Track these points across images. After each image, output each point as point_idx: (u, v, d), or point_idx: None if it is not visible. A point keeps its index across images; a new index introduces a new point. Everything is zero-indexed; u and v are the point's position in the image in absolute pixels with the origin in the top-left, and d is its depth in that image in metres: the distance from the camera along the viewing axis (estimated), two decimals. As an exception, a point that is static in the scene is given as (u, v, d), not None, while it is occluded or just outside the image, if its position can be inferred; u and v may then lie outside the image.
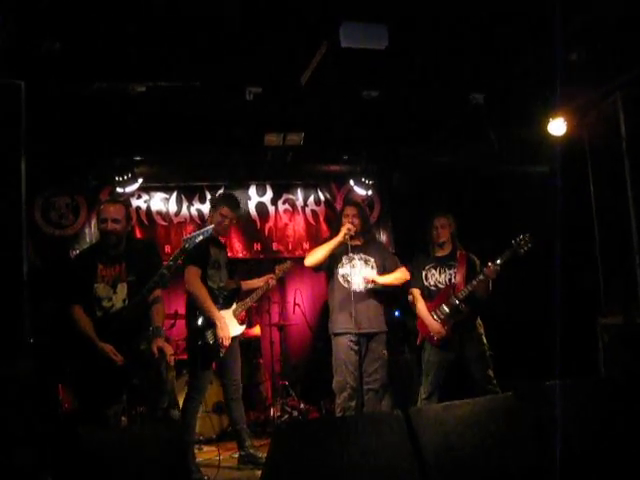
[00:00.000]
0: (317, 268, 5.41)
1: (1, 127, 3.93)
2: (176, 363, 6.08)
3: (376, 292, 5.26)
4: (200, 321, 4.91)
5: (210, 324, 4.90)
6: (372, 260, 5.30)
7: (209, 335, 4.91)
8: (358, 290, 5.17)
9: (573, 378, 3.37)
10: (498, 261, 5.08)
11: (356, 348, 5.10)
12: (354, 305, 5.04)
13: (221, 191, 7.16)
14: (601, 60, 4.85)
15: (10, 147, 3.97)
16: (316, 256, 5.29)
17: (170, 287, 7.22)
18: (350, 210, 5.36)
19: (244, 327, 5.27)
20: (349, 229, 5.14)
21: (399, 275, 5.32)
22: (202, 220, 7.13)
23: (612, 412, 3.19)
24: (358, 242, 5.33)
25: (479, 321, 5.28)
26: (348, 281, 5.21)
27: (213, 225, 4.59)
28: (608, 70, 5.00)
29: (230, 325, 5.02)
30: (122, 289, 4.31)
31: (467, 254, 5.35)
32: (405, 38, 4.37)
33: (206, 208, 7.16)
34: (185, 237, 4.26)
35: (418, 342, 5.39)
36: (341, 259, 5.25)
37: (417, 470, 2.79)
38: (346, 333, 5.12)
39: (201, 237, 4.20)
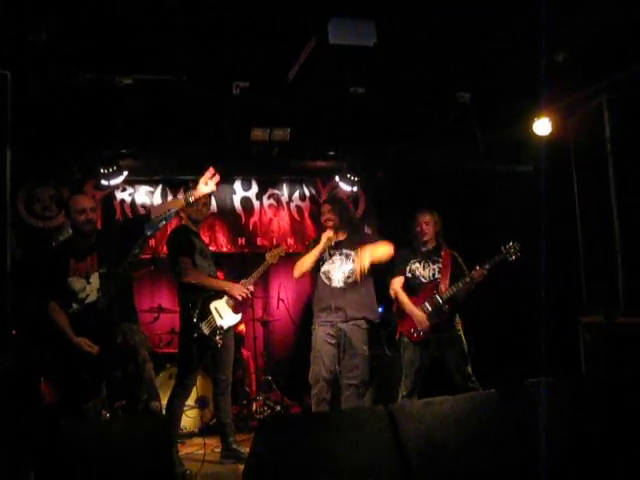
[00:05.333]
0: None
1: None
2: (160, 357, 6.07)
3: (358, 284, 5.25)
4: (196, 314, 4.88)
5: (204, 316, 4.90)
6: (353, 254, 5.30)
7: (204, 326, 4.89)
8: (338, 286, 5.24)
9: (554, 376, 3.40)
10: (486, 266, 5.12)
11: (333, 342, 5.15)
12: (334, 301, 5.15)
13: None
14: (587, 62, 4.88)
15: (-5, 138, 3.94)
16: (303, 267, 5.36)
17: (153, 281, 7.26)
18: (324, 207, 5.48)
19: (240, 316, 5.20)
20: (329, 238, 5.23)
21: (380, 249, 5.29)
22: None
23: (593, 410, 3.22)
24: (341, 237, 5.37)
25: (458, 319, 5.31)
26: (329, 278, 5.28)
27: (176, 209, 4.40)
28: (593, 72, 5.03)
29: (225, 315, 5.02)
30: (95, 279, 4.32)
31: (452, 253, 5.38)
32: (393, 35, 4.38)
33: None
34: (147, 223, 4.21)
35: (397, 337, 5.42)
36: (323, 257, 5.31)
37: (399, 465, 2.81)
38: (324, 326, 5.20)
39: (164, 222, 4.18)
